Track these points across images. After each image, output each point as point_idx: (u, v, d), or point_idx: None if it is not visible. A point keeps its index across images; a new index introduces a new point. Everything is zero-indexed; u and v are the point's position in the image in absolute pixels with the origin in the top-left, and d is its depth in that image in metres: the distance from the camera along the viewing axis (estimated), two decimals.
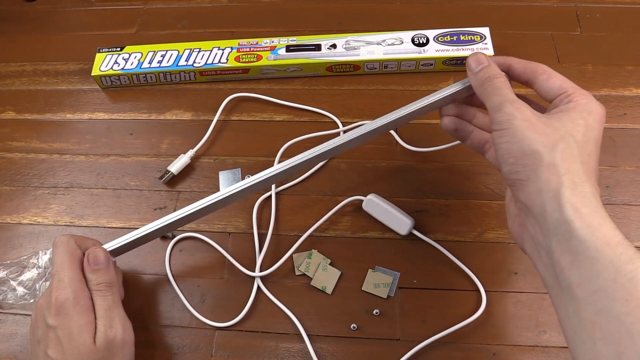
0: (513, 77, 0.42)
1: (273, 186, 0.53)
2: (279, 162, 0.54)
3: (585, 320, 0.30)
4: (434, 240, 0.49)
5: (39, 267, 0.49)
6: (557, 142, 0.33)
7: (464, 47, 0.58)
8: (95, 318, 0.40)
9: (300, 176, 0.53)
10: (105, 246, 0.44)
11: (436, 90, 0.44)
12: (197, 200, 0.45)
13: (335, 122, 0.57)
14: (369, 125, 0.44)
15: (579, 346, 0.30)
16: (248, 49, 0.60)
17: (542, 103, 0.41)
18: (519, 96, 0.38)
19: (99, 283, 0.42)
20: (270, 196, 0.53)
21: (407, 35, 0.59)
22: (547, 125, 0.35)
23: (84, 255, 0.43)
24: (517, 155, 0.34)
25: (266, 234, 0.50)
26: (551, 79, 0.39)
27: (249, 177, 0.53)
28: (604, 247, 0.29)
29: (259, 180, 0.45)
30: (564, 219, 0.31)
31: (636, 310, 0.28)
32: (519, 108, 0.36)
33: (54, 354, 0.38)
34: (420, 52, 0.58)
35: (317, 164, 0.47)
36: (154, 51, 0.61)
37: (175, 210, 0.53)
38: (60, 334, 0.39)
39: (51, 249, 0.49)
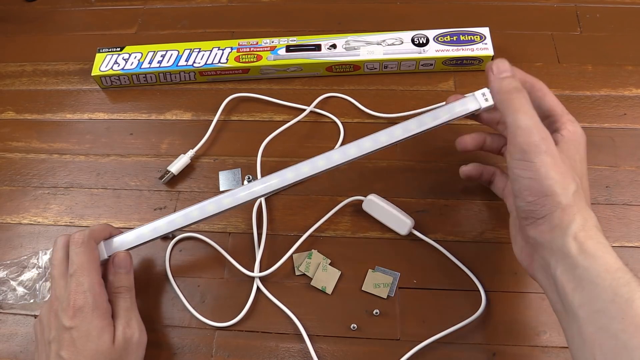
0: None
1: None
2: (261, 162, 0.54)
3: (586, 339, 0.32)
4: (434, 240, 0.49)
5: (39, 267, 0.49)
6: (569, 183, 0.35)
7: (464, 47, 0.58)
8: (114, 319, 0.41)
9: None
10: (123, 242, 0.45)
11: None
12: (197, 200, 0.45)
13: (335, 122, 0.57)
14: (372, 144, 0.44)
15: None
16: (248, 49, 0.60)
17: None
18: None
19: (120, 286, 0.43)
20: (270, 196, 0.53)
21: (407, 35, 0.59)
22: (564, 163, 0.36)
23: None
24: (537, 194, 0.35)
25: (267, 234, 0.50)
26: (546, 97, 0.40)
27: (248, 178, 0.54)
28: (604, 273, 0.32)
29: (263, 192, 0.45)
30: (570, 253, 0.33)
31: (631, 327, 0.30)
32: (546, 139, 0.36)
33: (66, 354, 0.38)
34: (420, 52, 0.58)
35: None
36: (154, 51, 0.61)
37: (175, 211, 0.53)
38: (76, 336, 0.39)
39: (51, 249, 0.49)
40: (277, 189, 0.45)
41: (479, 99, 0.44)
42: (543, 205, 0.35)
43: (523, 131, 0.36)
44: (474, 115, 0.45)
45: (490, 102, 0.43)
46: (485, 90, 0.44)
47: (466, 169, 0.48)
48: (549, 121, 0.39)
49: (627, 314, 0.30)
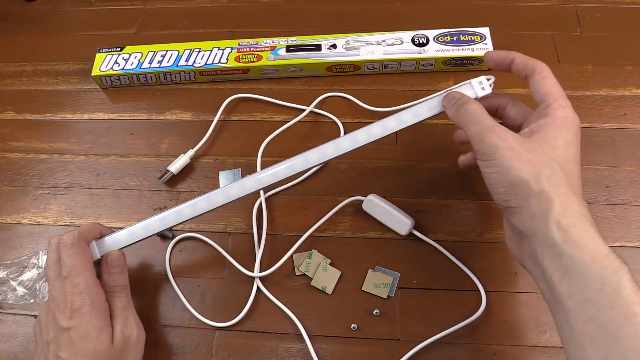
0: (514, 72, 0.42)
1: (261, 191, 0.52)
2: (261, 162, 0.54)
3: (575, 329, 0.32)
4: (434, 240, 0.49)
5: (39, 267, 0.49)
6: (542, 168, 0.35)
7: (464, 47, 0.58)
8: (111, 318, 0.41)
9: (299, 176, 0.53)
10: (115, 241, 0.45)
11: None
12: None
13: (335, 122, 0.57)
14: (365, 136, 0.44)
15: (572, 354, 0.33)
16: (248, 49, 0.60)
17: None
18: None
19: (115, 285, 0.43)
20: (270, 196, 0.53)
21: (407, 35, 0.59)
22: (529, 151, 0.35)
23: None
24: (506, 185, 0.35)
25: (267, 234, 0.50)
26: (544, 81, 0.39)
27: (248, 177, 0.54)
28: (591, 262, 0.31)
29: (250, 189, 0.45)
30: (555, 241, 0.33)
31: (620, 316, 0.30)
32: (501, 136, 0.36)
33: (65, 355, 0.38)
34: (420, 52, 0.58)
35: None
36: (154, 51, 0.61)
37: None
38: (74, 336, 0.39)
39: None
40: (270, 184, 0.44)
41: (475, 87, 0.43)
42: (515, 194, 0.35)
43: (476, 138, 0.37)
44: None
45: (488, 91, 0.42)
46: (482, 78, 0.43)
47: (464, 158, 0.48)
48: (542, 106, 0.39)
49: (615, 303, 0.30)
